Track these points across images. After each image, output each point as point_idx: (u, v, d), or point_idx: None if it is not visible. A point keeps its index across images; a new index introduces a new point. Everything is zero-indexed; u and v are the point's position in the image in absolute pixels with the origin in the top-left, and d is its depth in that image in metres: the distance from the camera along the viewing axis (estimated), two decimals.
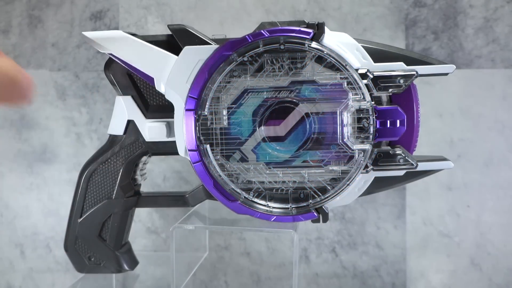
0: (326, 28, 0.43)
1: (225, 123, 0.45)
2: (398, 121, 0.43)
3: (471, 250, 0.72)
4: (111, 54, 0.46)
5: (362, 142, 0.44)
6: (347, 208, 0.73)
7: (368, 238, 0.73)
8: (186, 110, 0.44)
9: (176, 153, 0.47)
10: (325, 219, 0.45)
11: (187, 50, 0.45)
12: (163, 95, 0.46)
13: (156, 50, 0.46)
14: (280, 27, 0.43)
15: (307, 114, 0.45)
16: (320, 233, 0.74)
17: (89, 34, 0.46)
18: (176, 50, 0.45)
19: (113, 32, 0.47)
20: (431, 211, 0.72)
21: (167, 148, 0.49)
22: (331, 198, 0.45)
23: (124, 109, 0.49)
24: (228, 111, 0.45)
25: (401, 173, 0.44)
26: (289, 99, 0.45)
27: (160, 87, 0.46)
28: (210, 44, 0.45)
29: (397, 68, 0.43)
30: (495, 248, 0.71)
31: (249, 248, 0.76)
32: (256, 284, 0.76)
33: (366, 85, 0.43)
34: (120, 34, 0.46)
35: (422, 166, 0.44)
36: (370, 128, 0.43)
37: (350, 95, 0.43)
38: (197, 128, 0.45)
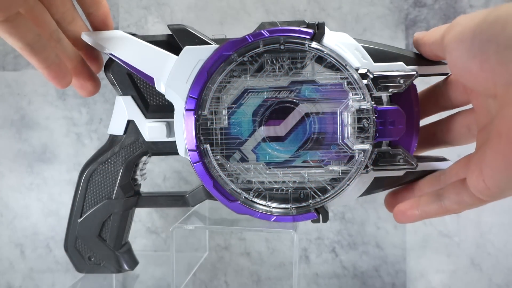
0: (326, 28, 0.43)
1: (225, 123, 0.45)
2: (398, 121, 0.43)
3: (471, 250, 0.72)
4: (111, 54, 0.46)
5: (362, 142, 0.44)
6: (347, 208, 0.73)
7: (368, 238, 0.73)
8: (186, 110, 0.44)
9: (176, 153, 0.47)
10: (325, 219, 0.45)
11: (187, 50, 0.45)
12: (163, 95, 0.46)
13: (156, 50, 0.46)
14: (280, 27, 0.43)
15: (307, 114, 0.45)
16: (320, 233, 0.74)
17: (89, 34, 0.46)
18: (176, 50, 0.45)
19: (113, 32, 0.46)
20: None
21: (167, 148, 0.49)
22: (331, 198, 0.45)
23: (124, 109, 0.49)
24: (228, 111, 0.45)
25: (401, 173, 0.44)
26: (289, 99, 0.45)
27: (160, 87, 0.46)
28: (210, 44, 0.45)
29: (397, 68, 0.43)
30: (495, 248, 0.71)
31: (249, 248, 0.76)
32: (256, 284, 0.76)
33: (366, 85, 0.42)
34: (120, 34, 0.46)
35: (422, 166, 0.44)
36: (370, 128, 0.43)
37: (350, 95, 0.43)
38: (197, 128, 0.44)
